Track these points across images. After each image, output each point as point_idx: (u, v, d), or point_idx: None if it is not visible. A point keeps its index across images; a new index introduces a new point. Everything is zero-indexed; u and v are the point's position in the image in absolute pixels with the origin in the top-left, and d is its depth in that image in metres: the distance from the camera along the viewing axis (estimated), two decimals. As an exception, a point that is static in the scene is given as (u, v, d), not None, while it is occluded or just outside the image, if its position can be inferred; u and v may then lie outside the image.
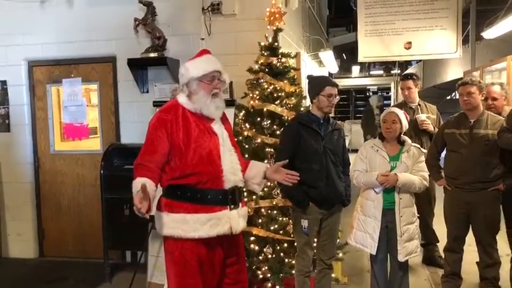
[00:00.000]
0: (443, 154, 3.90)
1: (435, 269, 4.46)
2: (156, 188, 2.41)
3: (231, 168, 2.51)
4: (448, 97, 14.79)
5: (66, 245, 5.18)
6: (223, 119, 2.66)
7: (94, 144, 5.18)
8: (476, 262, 3.80)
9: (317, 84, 3.32)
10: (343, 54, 18.79)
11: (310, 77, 3.49)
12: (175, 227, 2.44)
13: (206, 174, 2.44)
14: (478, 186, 3.55)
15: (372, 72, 22.64)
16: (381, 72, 22.20)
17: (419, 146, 3.48)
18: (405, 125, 3.35)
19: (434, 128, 4.39)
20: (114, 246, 4.58)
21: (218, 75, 2.54)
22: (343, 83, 20.66)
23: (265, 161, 3.87)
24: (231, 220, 2.48)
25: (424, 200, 4.34)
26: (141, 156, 2.45)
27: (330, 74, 11.62)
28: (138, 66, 4.75)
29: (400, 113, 3.35)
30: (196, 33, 4.66)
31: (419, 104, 4.58)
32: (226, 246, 2.55)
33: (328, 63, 9.24)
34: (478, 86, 3.60)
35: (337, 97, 3.32)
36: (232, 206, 2.49)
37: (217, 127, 2.56)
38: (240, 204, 2.57)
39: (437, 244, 4.57)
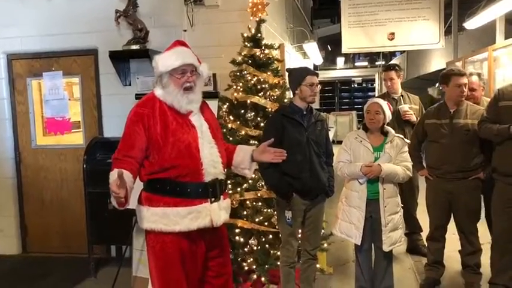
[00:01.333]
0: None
1: (419, 257, 4.52)
2: (133, 180, 2.38)
3: (211, 161, 2.47)
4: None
5: (49, 240, 5.13)
6: (204, 109, 2.62)
7: (76, 139, 5.11)
8: (459, 250, 3.85)
9: (297, 75, 3.33)
10: (328, 46, 18.82)
11: (289, 70, 3.50)
12: (156, 221, 2.41)
13: (185, 167, 2.41)
14: (459, 175, 3.59)
15: (356, 64, 22.75)
16: (366, 63, 22.32)
17: (402, 136, 3.50)
18: (388, 115, 3.37)
19: (417, 118, 4.43)
20: (99, 241, 4.55)
21: (190, 68, 2.48)
22: (328, 74, 20.75)
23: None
24: (212, 213, 2.46)
25: (407, 190, 4.38)
26: (118, 151, 2.42)
27: (315, 66, 11.63)
28: (120, 58, 4.69)
29: (384, 104, 3.36)
30: (179, 25, 4.60)
31: (402, 95, 4.60)
32: (208, 239, 2.53)
33: (313, 54, 9.24)
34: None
35: (319, 86, 3.33)
36: (212, 199, 2.47)
37: (196, 119, 2.52)
38: (222, 196, 2.55)
39: (421, 233, 4.63)
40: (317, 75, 3.33)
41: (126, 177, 2.25)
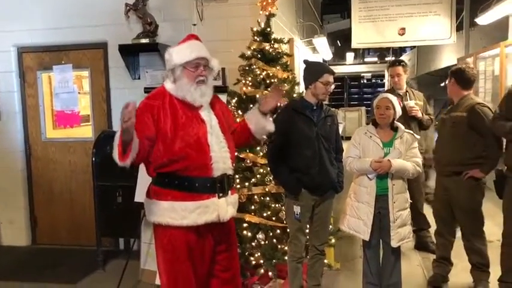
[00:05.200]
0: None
1: (427, 254, 4.50)
2: (138, 142, 2.28)
3: (220, 156, 2.46)
4: (442, 84, 14.77)
5: (58, 232, 5.17)
6: (214, 103, 2.61)
7: (86, 132, 5.14)
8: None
9: (315, 70, 3.28)
10: (338, 41, 18.72)
11: (307, 62, 3.43)
12: (164, 215, 2.42)
13: (194, 160, 2.39)
14: (450, 169, 3.61)
15: (366, 59, 22.60)
16: (375, 59, 22.18)
17: (412, 132, 3.47)
18: (398, 111, 3.34)
19: (422, 114, 4.43)
20: (107, 233, 4.58)
21: (204, 62, 2.47)
22: (338, 70, 20.61)
23: (258, 148, 3.86)
24: (219, 208, 2.45)
25: (414, 186, 4.36)
26: None
27: (324, 61, 11.57)
28: (129, 52, 4.70)
29: (394, 99, 3.33)
30: (188, 19, 4.60)
31: (406, 91, 4.58)
32: (216, 234, 2.54)
33: (322, 49, 9.19)
34: None
35: (333, 85, 3.30)
36: (220, 194, 2.47)
37: (206, 114, 2.51)
38: (230, 192, 2.55)
39: (430, 230, 4.60)
40: (334, 74, 3.29)
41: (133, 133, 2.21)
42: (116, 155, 2.23)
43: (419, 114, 4.41)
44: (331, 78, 3.24)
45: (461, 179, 3.55)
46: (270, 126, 2.68)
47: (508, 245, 3.38)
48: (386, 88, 18.81)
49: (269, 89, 2.58)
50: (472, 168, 3.52)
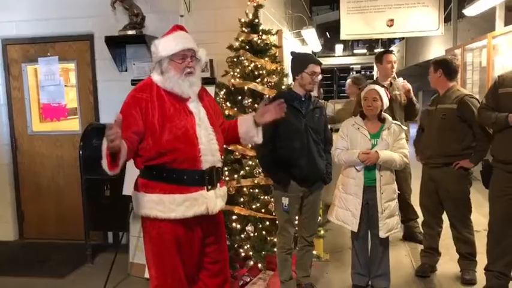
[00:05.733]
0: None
1: (415, 244, 4.53)
2: (126, 152, 2.22)
3: (209, 149, 2.44)
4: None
5: (46, 226, 5.13)
6: (203, 95, 2.58)
7: (73, 125, 5.08)
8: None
9: (301, 61, 3.29)
10: (327, 33, 18.72)
11: (293, 54, 3.44)
12: (152, 208, 2.39)
13: (182, 152, 2.37)
14: (439, 161, 3.63)
15: (355, 51, 22.68)
16: (365, 51, 22.25)
17: (399, 123, 3.48)
18: (386, 102, 3.35)
19: (412, 99, 4.49)
20: (95, 227, 4.54)
21: (190, 53, 2.44)
22: (327, 62, 20.66)
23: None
24: (208, 201, 2.43)
25: (401, 177, 4.38)
26: None
27: (314, 53, 11.55)
28: (116, 44, 4.64)
29: (381, 91, 3.34)
30: (176, 10, 4.54)
31: (391, 82, 4.60)
32: (205, 226, 2.52)
33: (311, 41, 9.16)
34: None
35: (320, 76, 3.29)
36: (209, 187, 2.45)
37: (194, 105, 2.48)
38: (219, 184, 2.53)
39: (418, 220, 4.63)
40: (320, 64, 3.29)
41: (121, 143, 2.13)
42: (104, 164, 2.19)
43: (409, 86, 4.48)
44: (317, 69, 3.24)
45: (451, 169, 3.58)
46: (259, 139, 2.66)
47: (493, 234, 3.42)
48: (374, 78, 18.92)
49: (274, 103, 2.58)
50: (461, 159, 3.56)
